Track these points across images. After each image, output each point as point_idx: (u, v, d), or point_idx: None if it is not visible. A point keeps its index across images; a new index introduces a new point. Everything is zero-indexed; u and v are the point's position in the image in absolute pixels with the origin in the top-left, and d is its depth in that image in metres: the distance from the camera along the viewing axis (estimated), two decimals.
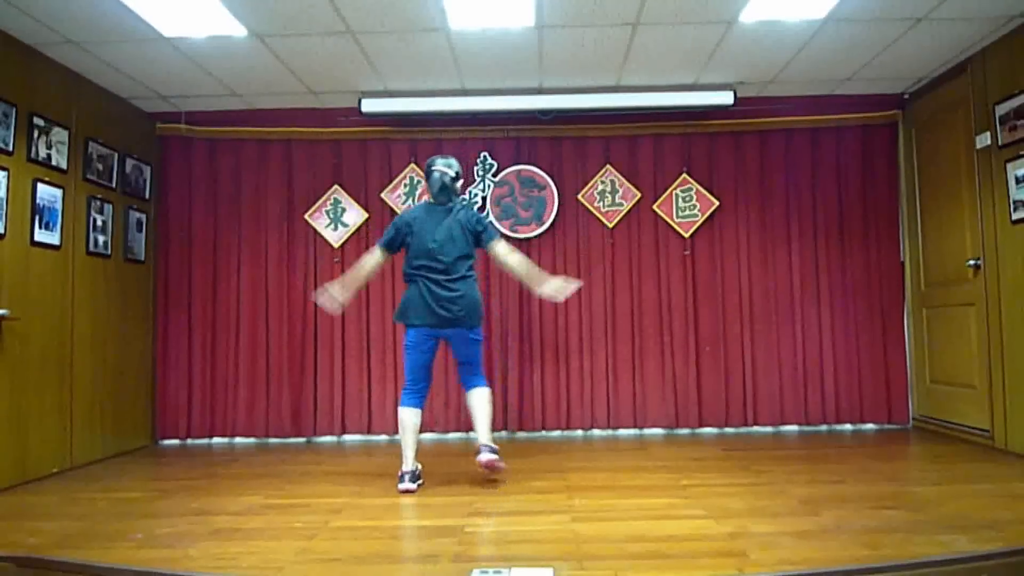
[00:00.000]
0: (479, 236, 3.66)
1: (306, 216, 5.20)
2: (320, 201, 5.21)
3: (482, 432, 3.59)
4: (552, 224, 5.19)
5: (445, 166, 3.69)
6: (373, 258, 3.74)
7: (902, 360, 5.12)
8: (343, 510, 3.12)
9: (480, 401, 3.65)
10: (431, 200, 3.71)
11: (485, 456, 3.48)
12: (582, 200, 5.19)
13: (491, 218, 5.11)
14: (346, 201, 5.21)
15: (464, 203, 3.83)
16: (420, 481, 3.53)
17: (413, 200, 5.18)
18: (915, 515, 2.82)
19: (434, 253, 3.56)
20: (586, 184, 5.20)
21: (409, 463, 3.51)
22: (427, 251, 3.57)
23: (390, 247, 3.72)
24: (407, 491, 3.43)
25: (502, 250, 3.68)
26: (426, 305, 3.55)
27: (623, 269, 5.18)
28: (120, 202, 4.73)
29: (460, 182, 3.79)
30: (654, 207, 5.18)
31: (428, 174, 3.71)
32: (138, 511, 3.16)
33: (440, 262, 3.56)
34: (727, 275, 5.17)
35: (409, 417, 3.58)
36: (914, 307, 5.08)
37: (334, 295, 3.75)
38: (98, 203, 4.49)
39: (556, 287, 3.68)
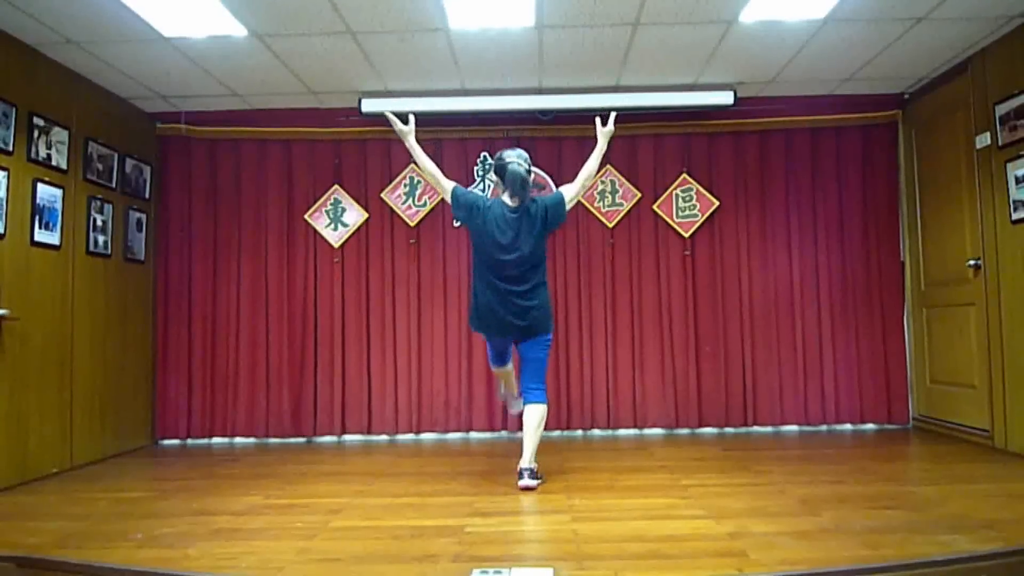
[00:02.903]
0: (558, 213, 3.44)
1: (306, 216, 5.20)
2: (320, 201, 5.21)
3: (526, 454, 3.42)
4: None
5: (519, 158, 3.40)
6: (440, 176, 3.52)
7: (902, 360, 5.12)
8: (343, 510, 3.12)
9: (531, 419, 3.44)
10: (507, 199, 3.42)
11: (523, 482, 3.38)
12: (582, 200, 5.19)
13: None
14: (346, 201, 5.21)
15: (534, 199, 3.50)
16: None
17: (413, 200, 5.18)
18: (915, 515, 2.82)
19: (505, 263, 3.37)
20: None
21: (516, 391, 3.68)
22: (497, 259, 3.37)
23: (457, 202, 3.45)
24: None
25: (577, 188, 3.53)
26: (496, 318, 3.41)
27: (623, 269, 5.18)
28: (120, 202, 4.73)
29: (532, 176, 3.53)
30: (654, 207, 5.18)
31: (502, 169, 3.40)
32: (138, 511, 3.16)
33: (511, 273, 3.37)
34: (727, 275, 5.17)
35: (502, 370, 3.74)
36: (914, 307, 5.08)
37: (399, 122, 3.56)
38: (98, 203, 4.49)
39: (609, 130, 3.60)
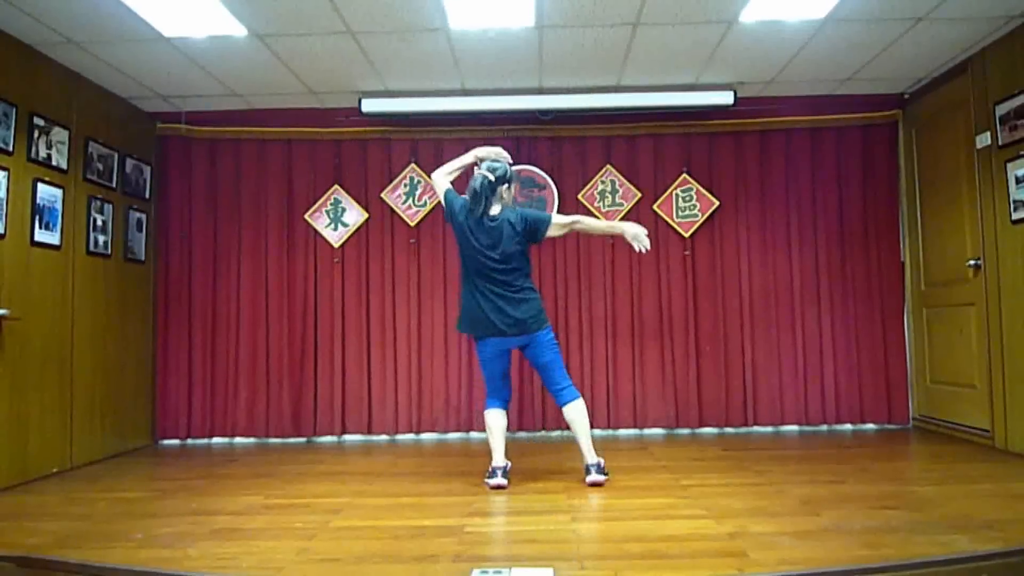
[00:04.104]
0: (535, 231, 3.44)
1: (306, 216, 5.20)
2: (320, 201, 5.21)
3: (585, 450, 3.50)
4: None
5: (488, 170, 3.45)
6: (441, 181, 3.66)
7: (902, 360, 5.11)
8: (343, 510, 3.12)
9: (575, 415, 3.50)
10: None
11: (592, 477, 3.43)
12: (582, 200, 5.19)
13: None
14: (346, 201, 5.21)
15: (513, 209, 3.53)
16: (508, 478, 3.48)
17: (413, 200, 5.18)
18: (915, 515, 2.82)
19: (485, 265, 3.41)
20: (586, 184, 5.19)
21: (499, 459, 3.49)
22: (477, 261, 3.42)
23: (445, 204, 3.57)
24: (499, 486, 3.41)
25: (565, 221, 3.50)
26: (485, 317, 3.42)
27: (623, 269, 5.18)
28: (120, 202, 4.73)
29: (506, 187, 3.48)
30: (654, 207, 5.18)
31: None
32: (138, 511, 3.16)
33: (493, 274, 3.41)
34: (727, 275, 5.17)
35: (496, 419, 3.53)
36: (914, 307, 5.08)
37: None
38: (98, 203, 4.49)
39: (635, 232, 3.49)
